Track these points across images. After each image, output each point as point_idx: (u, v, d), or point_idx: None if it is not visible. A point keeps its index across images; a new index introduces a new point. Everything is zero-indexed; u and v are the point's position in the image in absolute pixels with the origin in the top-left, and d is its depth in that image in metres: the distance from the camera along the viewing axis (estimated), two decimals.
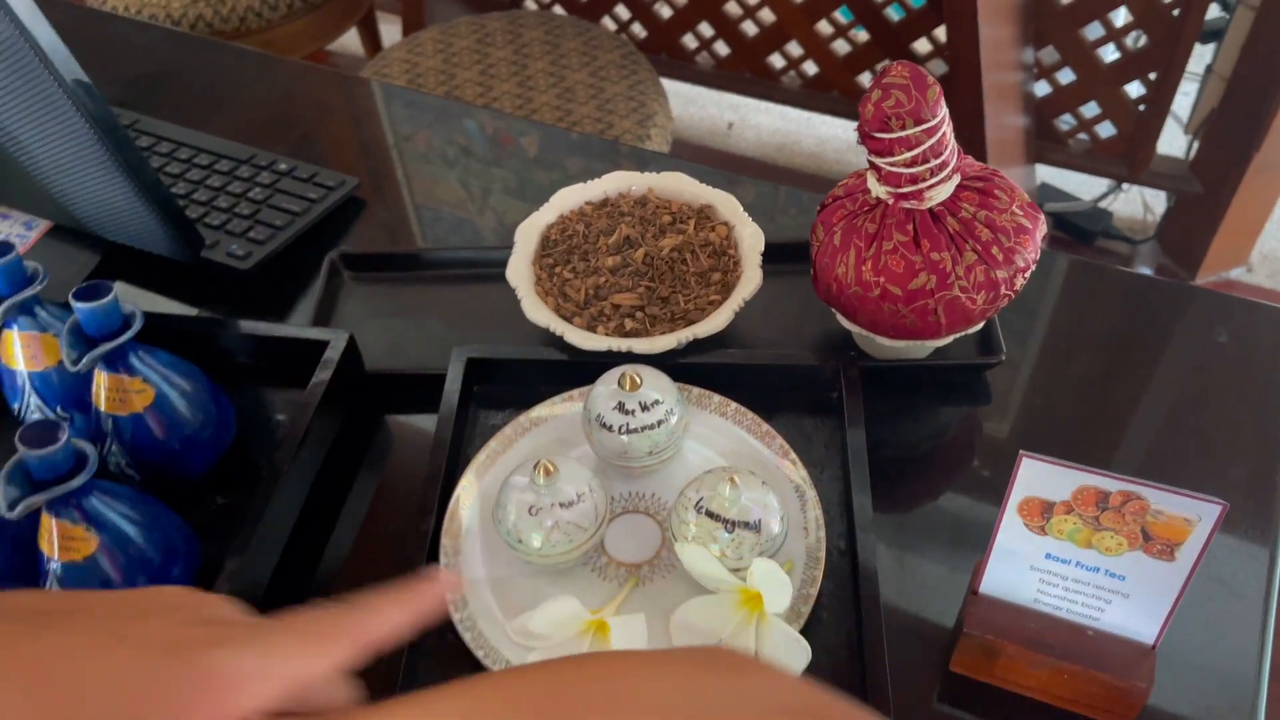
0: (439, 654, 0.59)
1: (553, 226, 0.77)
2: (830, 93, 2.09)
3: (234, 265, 0.80)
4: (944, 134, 0.61)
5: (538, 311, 0.71)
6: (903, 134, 0.60)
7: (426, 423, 0.73)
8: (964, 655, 0.57)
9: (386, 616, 0.32)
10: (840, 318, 0.70)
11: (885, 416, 0.70)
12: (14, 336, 0.64)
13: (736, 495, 0.57)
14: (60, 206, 0.78)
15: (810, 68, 2.09)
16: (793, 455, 0.65)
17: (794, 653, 0.55)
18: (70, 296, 0.58)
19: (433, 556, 0.61)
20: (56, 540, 0.55)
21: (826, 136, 2.44)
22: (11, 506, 0.52)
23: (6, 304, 0.62)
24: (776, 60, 2.13)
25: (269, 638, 0.30)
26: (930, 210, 0.63)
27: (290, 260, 0.84)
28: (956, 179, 0.64)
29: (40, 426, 0.53)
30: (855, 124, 0.72)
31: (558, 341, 0.70)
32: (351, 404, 0.72)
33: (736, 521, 0.57)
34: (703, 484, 0.59)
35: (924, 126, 0.60)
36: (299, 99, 1.05)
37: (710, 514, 0.57)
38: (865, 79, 2.04)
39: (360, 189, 0.91)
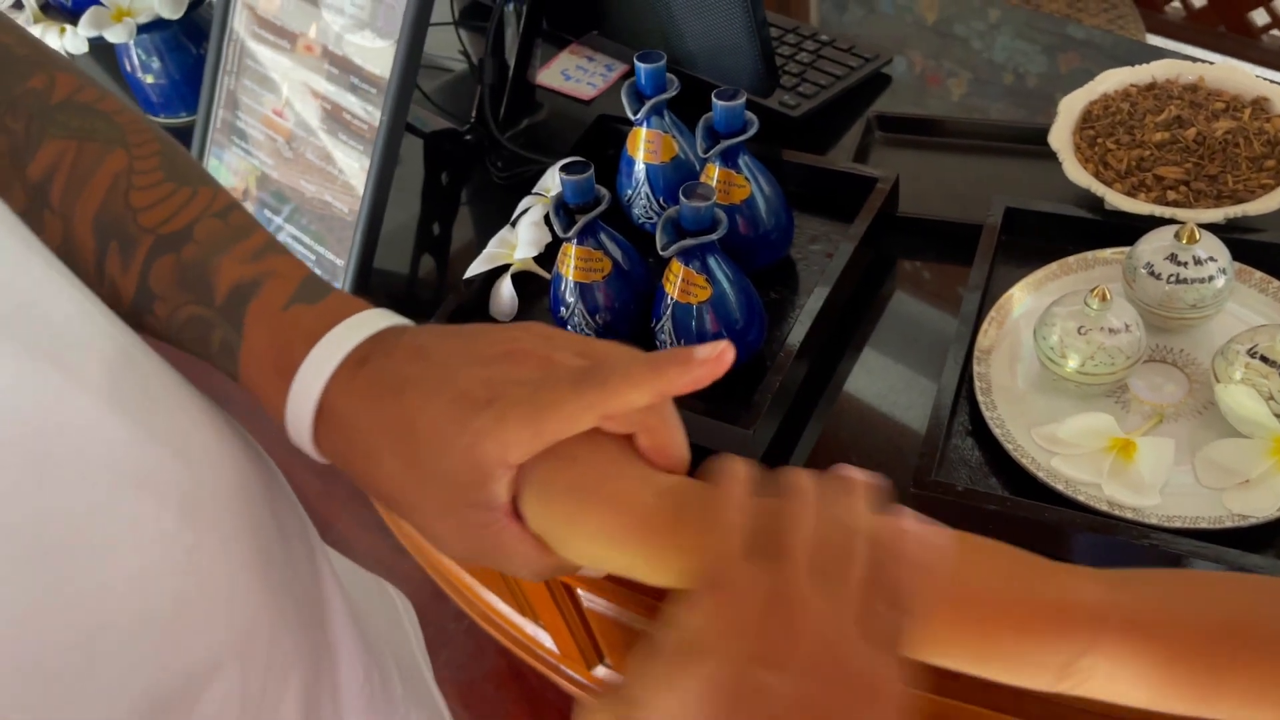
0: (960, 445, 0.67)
1: (1095, 103, 0.82)
2: None
3: (786, 113, 0.92)
4: None
5: (1078, 173, 0.76)
6: None
7: (939, 272, 0.80)
8: None
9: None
10: None
11: None
12: (643, 133, 0.79)
13: None
14: (665, 38, 0.93)
15: None
16: None
17: None
18: (714, 96, 0.71)
19: (966, 363, 0.69)
20: (679, 284, 0.69)
21: None
22: (664, 248, 0.66)
23: (649, 103, 0.76)
24: (1259, 16, 1.97)
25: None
26: None
27: (828, 117, 0.94)
28: None
29: (696, 187, 0.66)
30: None
31: (1092, 206, 0.75)
32: (878, 241, 0.81)
33: None
34: (1259, 333, 0.62)
35: None
36: None
37: (1265, 359, 0.61)
38: None
39: (890, 65, 0.99)
